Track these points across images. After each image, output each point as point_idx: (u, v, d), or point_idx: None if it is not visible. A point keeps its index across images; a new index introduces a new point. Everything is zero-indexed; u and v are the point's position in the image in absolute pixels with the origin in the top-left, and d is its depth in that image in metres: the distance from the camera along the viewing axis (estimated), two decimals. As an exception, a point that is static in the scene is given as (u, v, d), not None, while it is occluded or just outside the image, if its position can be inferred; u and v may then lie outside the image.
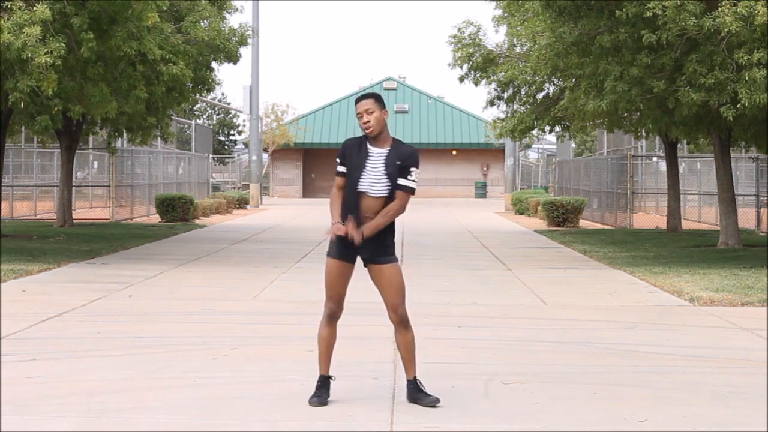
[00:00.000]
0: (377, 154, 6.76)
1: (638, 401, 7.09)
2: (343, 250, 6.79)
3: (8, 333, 9.70)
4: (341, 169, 6.83)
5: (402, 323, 6.83)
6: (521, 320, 11.26)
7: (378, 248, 6.78)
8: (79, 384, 7.51)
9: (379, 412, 6.66)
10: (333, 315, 6.87)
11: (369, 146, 6.80)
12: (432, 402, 6.77)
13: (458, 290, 13.75)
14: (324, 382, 6.88)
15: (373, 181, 6.73)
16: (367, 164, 6.74)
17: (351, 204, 6.74)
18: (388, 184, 6.73)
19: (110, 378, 7.73)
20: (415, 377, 6.88)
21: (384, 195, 6.75)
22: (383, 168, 6.73)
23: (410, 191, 6.75)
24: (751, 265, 16.52)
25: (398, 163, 6.75)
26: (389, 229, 6.82)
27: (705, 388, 7.59)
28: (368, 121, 6.74)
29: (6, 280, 14.11)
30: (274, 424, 6.40)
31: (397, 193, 6.75)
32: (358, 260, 6.90)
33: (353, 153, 6.79)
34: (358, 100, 6.82)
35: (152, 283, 14.29)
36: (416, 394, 6.85)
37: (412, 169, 6.76)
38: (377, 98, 6.82)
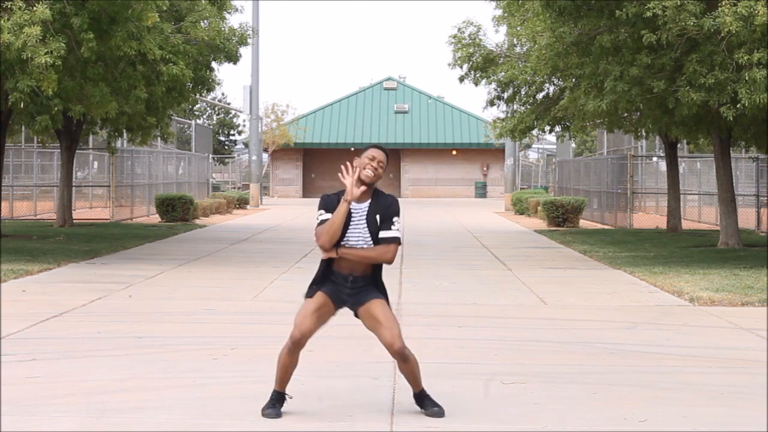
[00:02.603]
0: (359, 210, 6.62)
1: (638, 401, 7.09)
2: (323, 290, 6.61)
3: (8, 333, 9.70)
4: (327, 216, 6.57)
5: (400, 357, 6.58)
6: (521, 320, 11.26)
7: (363, 293, 6.61)
8: (79, 384, 7.51)
9: (379, 413, 6.66)
10: (297, 344, 6.64)
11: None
12: (434, 413, 6.57)
13: (458, 290, 13.74)
14: (279, 397, 6.66)
15: (359, 238, 6.58)
16: (350, 221, 6.58)
17: (338, 259, 6.57)
18: (371, 238, 6.59)
19: (110, 378, 7.73)
20: (421, 390, 6.70)
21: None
22: (365, 224, 6.59)
23: (396, 242, 6.59)
24: (751, 265, 16.51)
25: (378, 216, 6.61)
26: (377, 280, 6.65)
27: (705, 388, 7.59)
28: (376, 169, 6.61)
29: (6, 280, 14.12)
30: (273, 424, 6.40)
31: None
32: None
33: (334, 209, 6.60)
34: (374, 147, 6.69)
35: (152, 283, 14.29)
36: (422, 401, 6.68)
37: (395, 219, 6.62)
38: (388, 158, 6.72)
